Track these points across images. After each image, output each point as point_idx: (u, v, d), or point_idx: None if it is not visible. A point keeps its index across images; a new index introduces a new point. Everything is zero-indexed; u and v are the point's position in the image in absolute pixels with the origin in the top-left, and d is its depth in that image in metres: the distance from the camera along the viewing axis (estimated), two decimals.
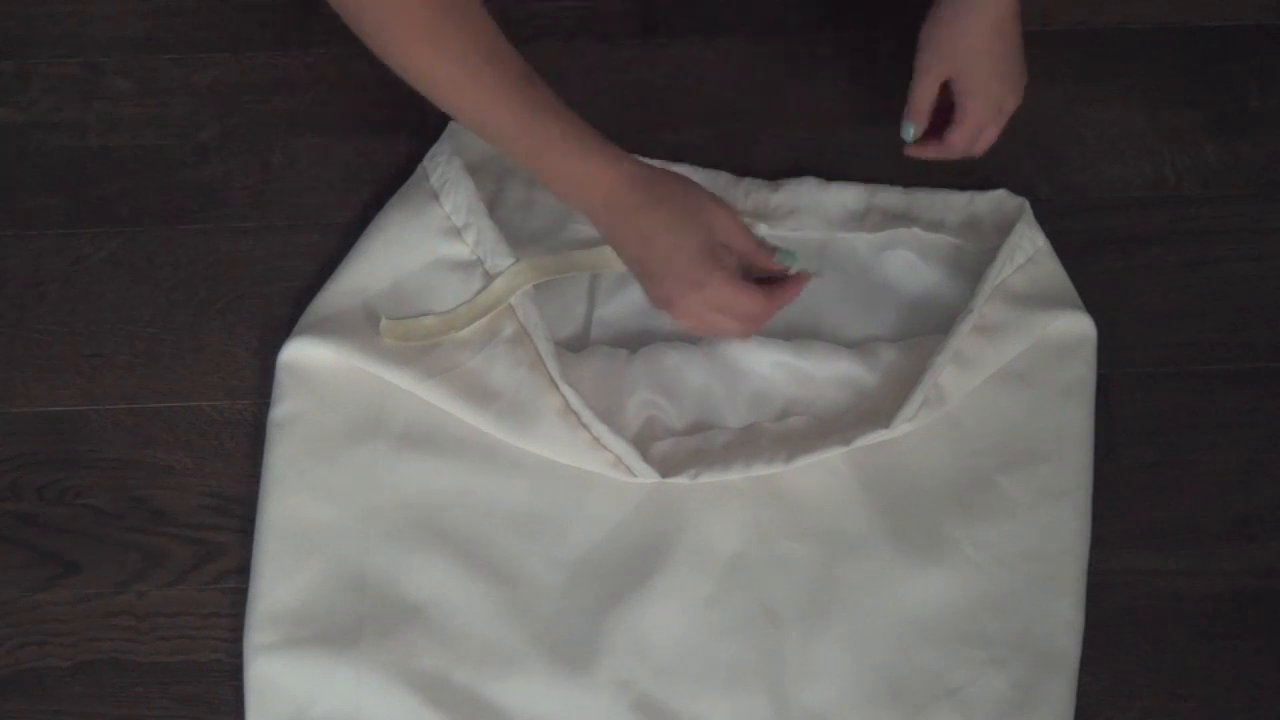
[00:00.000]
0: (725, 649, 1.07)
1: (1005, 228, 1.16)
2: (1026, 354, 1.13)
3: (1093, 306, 1.14)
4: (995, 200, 1.17)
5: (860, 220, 1.17)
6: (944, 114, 1.11)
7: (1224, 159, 1.22)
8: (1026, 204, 1.16)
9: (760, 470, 1.09)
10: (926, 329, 1.15)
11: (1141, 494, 1.14)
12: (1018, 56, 1.09)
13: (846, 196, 1.17)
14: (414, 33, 0.97)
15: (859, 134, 1.20)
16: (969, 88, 1.09)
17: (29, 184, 1.20)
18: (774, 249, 1.04)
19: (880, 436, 1.09)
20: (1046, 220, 1.17)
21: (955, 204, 1.17)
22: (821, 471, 1.10)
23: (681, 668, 1.07)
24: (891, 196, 1.18)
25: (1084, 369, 1.13)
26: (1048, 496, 1.10)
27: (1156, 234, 1.20)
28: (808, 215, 1.17)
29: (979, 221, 1.17)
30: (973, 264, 1.16)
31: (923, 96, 1.10)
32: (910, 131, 1.11)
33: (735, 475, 1.09)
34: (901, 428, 1.09)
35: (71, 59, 1.23)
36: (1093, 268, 1.18)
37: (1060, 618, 1.08)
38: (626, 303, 1.16)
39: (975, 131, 1.11)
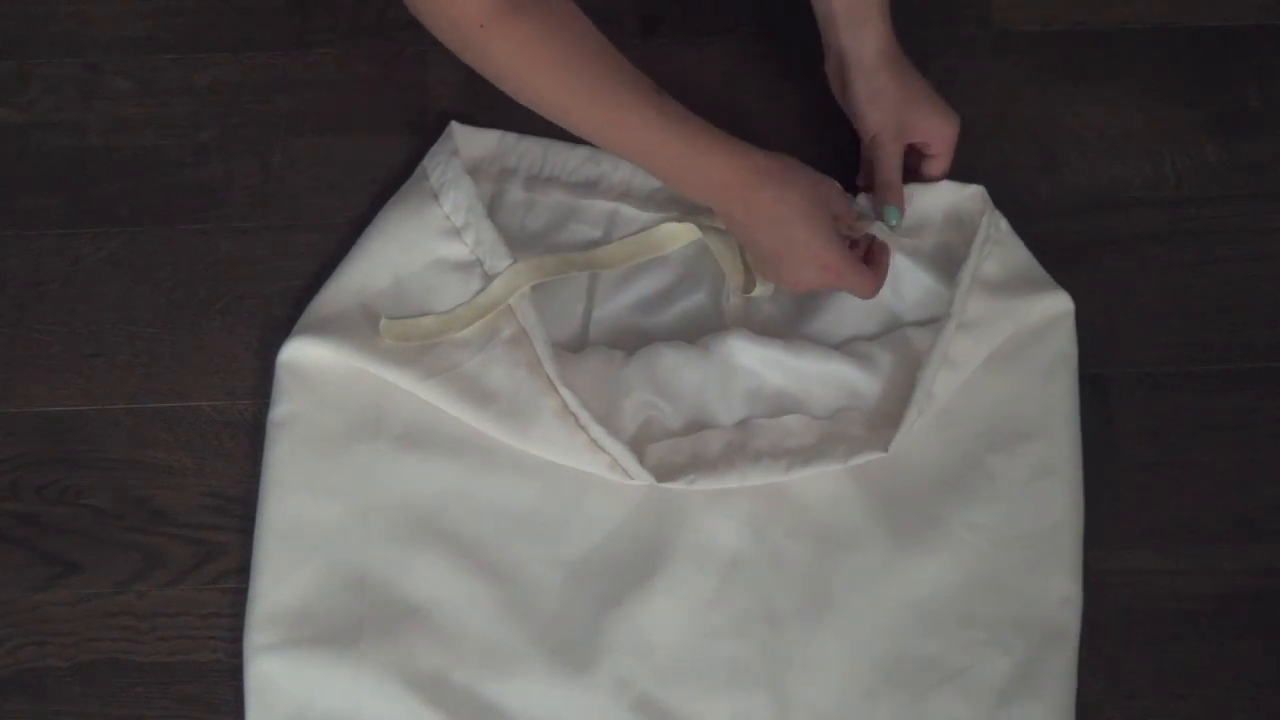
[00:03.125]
0: (725, 648, 1.07)
1: (955, 216, 1.15)
2: (1009, 335, 1.13)
3: (1093, 306, 1.14)
4: (940, 191, 1.16)
5: None
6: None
7: (1224, 159, 1.22)
8: (984, 191, 1.15)
9: (757, 480, 1.09)
10: (905, 322, 1.15)
11: (1141, 494, 1.14)
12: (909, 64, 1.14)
13: None
14: (549, 70, 1.02)
15: (858, 134, 1.20)
16: (928, 123, 1.13)
17: (29, 184, 1.20)
18: (866, 217, 1.12)
19: (876, 456, 1.09)
20: (1046, 220, 1.17)
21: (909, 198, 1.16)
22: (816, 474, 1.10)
23: (682, 667, 1.07)
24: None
25: (1065, 344, 1.13)
26: (1039, 474, 1.10)
27: (1156, 234, 1.20)
28: None
29: (926, 215, 1.16)
30: (939, 255, 1.16)
31: (894, 168, 1.13)
32: (897, 216, 1.12)
33: (732, 484, 1.09)
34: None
35: (71, 59, 1.23)
36: (1093, 268, 1.18)
37: (1058, 594, 1.08)
38: (625, 303, 1.16)
39: (952, 151, 1.14)
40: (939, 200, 1.16)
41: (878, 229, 1.12)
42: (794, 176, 1.06)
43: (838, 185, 1.09)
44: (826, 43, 1.15)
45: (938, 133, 1.13)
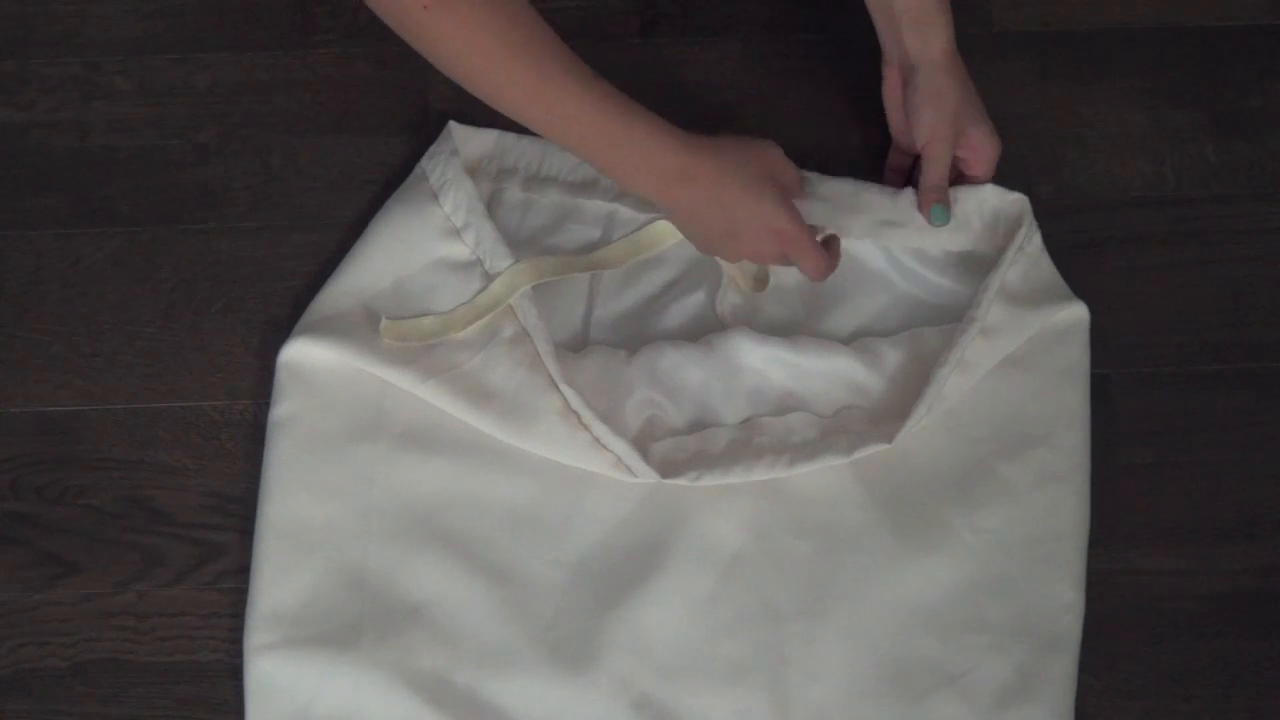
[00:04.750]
0: (726, 647, 1.07)
1: (993, 221, 1.15)
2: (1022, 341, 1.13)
3: (1093, 306, 1.14)
4: (983, 195, 1.15)
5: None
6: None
7: (1224, 159, 1.22)
8: (1027, 201, 1.15)
9: (761, 475, 1.09)
10: (917, 322, 1.15)
11: (1141, 494, 1.14)
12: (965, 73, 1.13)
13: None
14: (488, 55, 1.01)
15: (858, 134, 1.20)
16: (978, 133, 1.12)
17: (29, 184, 1.20)
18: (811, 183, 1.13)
19: (881, 448, 1.09)
20: (1046, 220, 1.17)
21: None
22: (820, 467, 1.10)
23: (683, 666, 1.07)
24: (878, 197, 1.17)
25: (1079, 352, 1.13)
26: (1046, 480, 1.10)
27: (1156, 234, 1.20)
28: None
29: (966, 218, 1.16)
30: (967, 258, 1.16)
31: (945, 172, 1.12)
32: (945, 216, 1.11)
33: (736, 479, 1.09)
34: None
35: (71, 59, 1.23)
36: (1093, 268, 1.18)
37: (1060, 600, 1.08)
38: (626, 303, 1.16)
39: (992, 171, 1.14)
40: (983, 205, 1.15)
41: (906, 228, 1.12)
42: (730, 150, 1.06)
43: (779, 150, 1.09)
44: (887, 46, 1.14)
45: (983, 146, 1.12)
